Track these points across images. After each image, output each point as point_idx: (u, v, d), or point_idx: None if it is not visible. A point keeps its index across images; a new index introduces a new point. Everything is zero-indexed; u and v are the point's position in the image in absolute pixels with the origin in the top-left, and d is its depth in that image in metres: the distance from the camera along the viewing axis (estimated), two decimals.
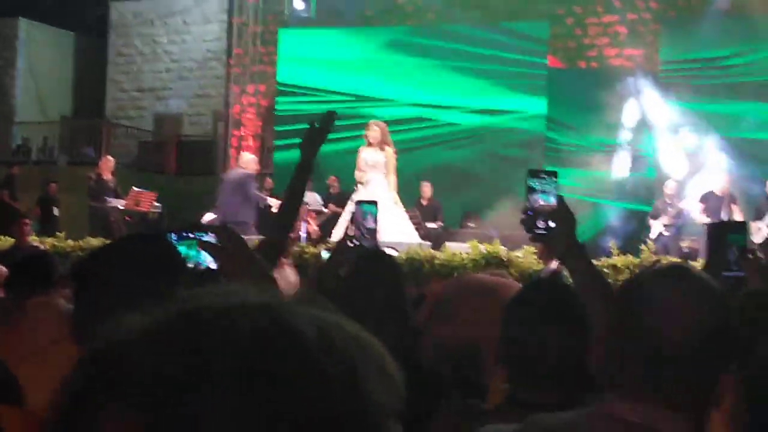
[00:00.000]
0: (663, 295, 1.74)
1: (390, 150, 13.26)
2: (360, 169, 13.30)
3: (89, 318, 2.18)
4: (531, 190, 2.70)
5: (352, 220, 4.26)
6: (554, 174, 2.75)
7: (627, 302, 1.79)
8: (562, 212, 2.71)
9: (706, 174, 15.90)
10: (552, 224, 2.68)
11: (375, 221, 3.99)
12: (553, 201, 2.70)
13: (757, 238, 14.85)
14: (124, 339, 0.83)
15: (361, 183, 13.36)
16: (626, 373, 1.73)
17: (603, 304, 2.43)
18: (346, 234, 4.48)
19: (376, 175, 13.26)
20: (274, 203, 15.75)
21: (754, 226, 15.07)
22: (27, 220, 13.11)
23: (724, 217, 14.42)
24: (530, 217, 2.70)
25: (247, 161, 15.33)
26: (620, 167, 18.50)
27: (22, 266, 5.25)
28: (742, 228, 3.70)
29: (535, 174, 2.73)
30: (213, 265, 2.34)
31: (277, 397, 0.79)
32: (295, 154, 3.93)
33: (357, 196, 12.88)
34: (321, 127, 3.83)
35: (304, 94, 20.71)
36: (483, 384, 3.31)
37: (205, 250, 2.30)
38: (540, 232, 2.70)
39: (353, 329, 0.87)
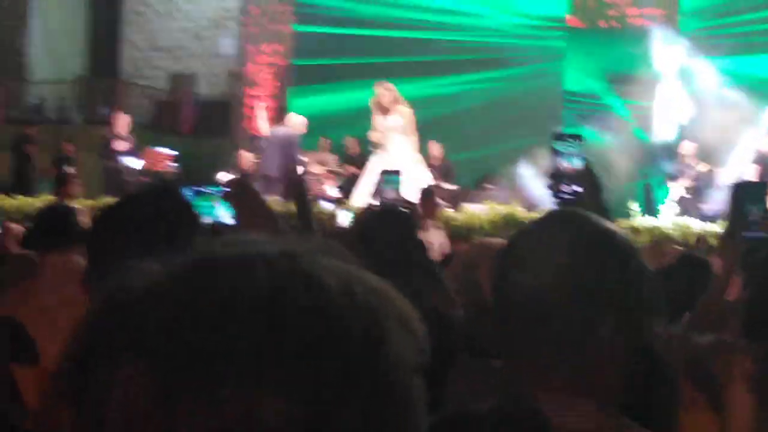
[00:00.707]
0: (530, 248, 1.63)
1: (406, 109, 13.20)
2: (378, 131, 13.25)
3: (102, 276, 2.13)
4: (556, 152, 2.65)
5: (376, 191, 4.27)
6: (579, 137, 2.70)
7: (501, 260, 1.69)
8: (589, 176, 2.64)
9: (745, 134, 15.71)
10: (578, 188, 2.61)
11: (397, 192, 3.99)
12: (578, 164, 2.63)
13: None
14: (138, 287, 0.80)
15: (381, 146, 13.30)
16: (506, 338, 1.65)
17: None
18: (369, 205, 4.49)
19: (397, 137, 13.21)
20: (319, 169, 15.83)
21: None
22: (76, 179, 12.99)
23: None
24: (556, 180, 2.64)
25: (296, 122, 15.45)
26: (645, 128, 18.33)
27: (41, 221, 4.98)
28: (763, 189, 3.65)
29: (559, 137, 2.68)
30: (230, 221, 2.30)
31: (298, 350, 0.77)
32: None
33: (379, 161, 12.90)
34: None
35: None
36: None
37: (223, 204, 2.28)
38: (566, 196, 2.63)
39: (375, 281, 0.85)
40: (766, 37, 17.43)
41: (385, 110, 13.25)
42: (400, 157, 13.21)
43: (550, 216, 1.73)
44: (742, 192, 3.57)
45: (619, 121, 18.02)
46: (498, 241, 5.17)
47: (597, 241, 1.61)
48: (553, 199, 2.69)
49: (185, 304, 0.77)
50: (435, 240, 7.30)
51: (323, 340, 0.77)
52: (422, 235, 4.44)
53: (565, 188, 2.63)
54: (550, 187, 2.68)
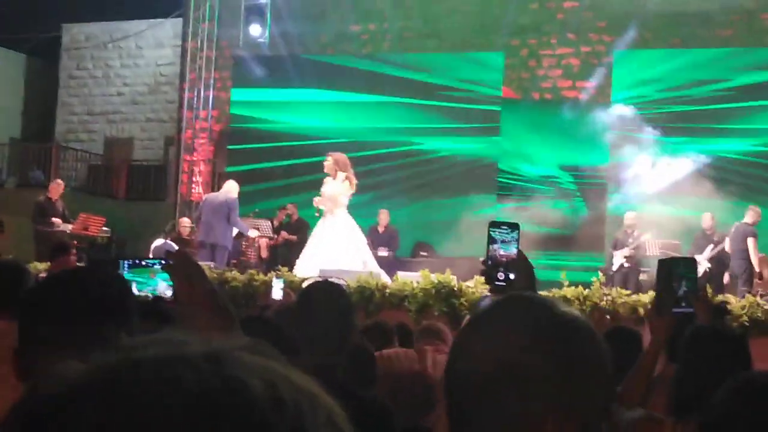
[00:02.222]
0: (484, 331, 1.61)
1: (345, 180, 13.35)
2: (320, 198, 13.45)
3: (31, 354, 2.11)
4: (492, 240, 2.71)
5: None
6: (515, 225, 2.76)
7: (457, 342, 1.66)
8: (521, 263, 2.70)
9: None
10: (511, 275, 2.67)
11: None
12: (513, 252, 2.70)
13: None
14: (60, 390, 0.78)
15: (322, 212, 13.51)
16: (461, 416, 1.59)
17: None
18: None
19: (333, 205, 13.35)
20: (254, 234, 16.00)
21: None
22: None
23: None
24: (490, 267, 2.71)
25: (231, 184, 15.54)
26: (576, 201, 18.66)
27: None
28: (691, 264, 3.71)
29: (496, 225, 2.74)
30: (168, 293, 2.28)
31: None
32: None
33: (322, 227, 13.15)
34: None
35: (257, 123, 20.84)
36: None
37: (161, 277, 2.26)
38: (499, 283, 2.70)
39: (302, 380, 0.83)
40: (702, 121, 17.84)
41: (330, 177, 13.51)
42: (337, 223, 13.36)
43: (507, 300, 1.72)
44: (670, 267, 3.61)
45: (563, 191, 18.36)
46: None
47: (554, 330, 1.57)
48: (488, 286, 2.76)
49: (107, 412, 0.75)
50: None
51: None
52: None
53: (499, 275, 2.70)
54: (484, 274, 2.74)
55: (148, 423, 0.74)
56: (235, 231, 15.52)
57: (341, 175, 13.40)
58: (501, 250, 2.70)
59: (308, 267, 12.87)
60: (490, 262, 2.70)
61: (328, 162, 13.55)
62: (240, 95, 21.61)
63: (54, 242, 16.22)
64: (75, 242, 16.85)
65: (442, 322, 10.58)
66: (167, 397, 0.76)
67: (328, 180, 13.52)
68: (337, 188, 13.35)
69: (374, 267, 13.29)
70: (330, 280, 4.37)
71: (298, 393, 0.81)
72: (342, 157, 13.64)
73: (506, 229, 2.73)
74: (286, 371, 0.83)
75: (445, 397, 1.63)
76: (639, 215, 16.31)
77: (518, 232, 2.73)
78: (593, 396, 1.57)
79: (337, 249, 13.15)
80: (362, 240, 13.84)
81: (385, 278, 12.55)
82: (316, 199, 13.50)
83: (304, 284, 5.18)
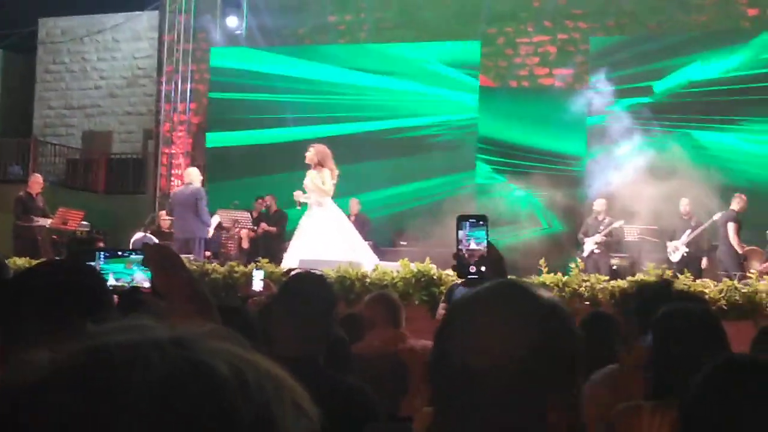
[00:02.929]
0: (469, 319, 1.63)
1: (326, 170, 13.35)
2: (303, 190, 13.42)
3: (7, 348, 2.13)
4: (461, 234, 2.74)
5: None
6: (484, 218, 2.79)
7: (441, 330, 1.67)
8: (492, 256, 2.73)
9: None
10: (483, 268, 2.71)
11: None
12: (483, 245, 2.73)
13: (674, 257, 15.15)
14: (29, 379, 0.79)
15: (303, 204, 13.49)
16: (445, 404, 1.62)
17: None
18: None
19: (317, 196, 13.35)
20: (211, 231, 15.89)
21: (670, 245, 15.38)
22: None
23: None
24: (461, 261, 2.74)
25: (193, 174, 15.45)
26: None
27: None
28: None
29: (464, 218, 2.77)
30: (146, 284, 2.30)
31: None
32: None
33: (307, 219, 13.13)
34: None
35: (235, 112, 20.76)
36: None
37: (140, 268, 2.28)
38: (471, 276, 2.73)
39: (267, 365, 0.84)
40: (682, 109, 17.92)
41: (312, 168, 13.50)
42: (319, 215, 13.37)
43: (491, 286, 1.70)
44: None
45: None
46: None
47: (535, 312, 1.61)
48: (460, 279, 2.80)
49: (78, 395, 0.76)
50: None
51: (214, 426, 0.77)
52: None
53: (471, 269, 2.73)
54: (455, 268, 2.77)
55: (116, 405, 0.76)
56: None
57: (323, 168, 13.40)
58: (471, 244, 2.74)
59: (297, 258, 12.87)
60: (461, 256, 2.74)
61: (310, 153, 13.53)
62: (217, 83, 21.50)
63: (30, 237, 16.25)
64: (54, 236, 16.85)
65: (423, 311, 10.68)
66: (135, 379, 0.77)
67: (310, 172, 13.50)
68: (319, 179, 13.35)
69: (366, 254, 13.32)
70: (312, 271, 4.39)
71: (263, 377, 0.82)
72: (323, 147, 13.64)
73: (476, 222, 2.77)
74: (251, 356, 0.84)
75: (431, 387, 1.65)
76: (610, 202, 16.38)
77: (487, 225, 2.77)
78: (579, 383, 1.62)
79: (327, 239, 13.15)
80: (350, 228, 13.86)
81: (374, 265, 12.53)
82: (298, 194, 13.47)
83: (286, 274, 5.18)
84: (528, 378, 1.55)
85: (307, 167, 13.56)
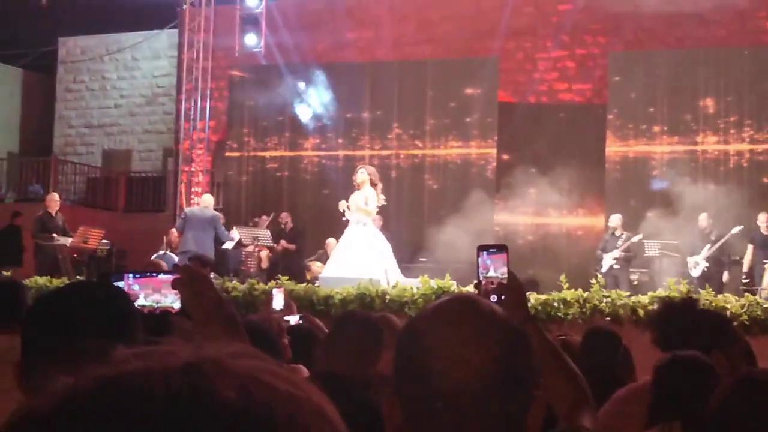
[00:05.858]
0: (435, 336, 1.63)
1: (372, 191, 13.49)
2: (348, 209, 13.57)
3: (34, 367, 2.14)
4: (481, 263, 2.74)
5: None
6: (504, 248, 2.78)
7: (404, 346, 1.68)
8: (512, 286, 2.71)
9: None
10: (503, 297, 2.69)
11: None
12: (502, 274, 2.72)
13: (695, 273, 15.09)
14: (41, 409, 0.80)
15: (353, 219, 13.66)
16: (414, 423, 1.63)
17: (555, 375, 2.44)
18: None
19: (360, 215, 13.45)
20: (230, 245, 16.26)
21: (690, 261, 15.33)
22: None
23: None
24: (480, 291, 2.73)
25: (208, 200, 16.10)
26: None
27: None
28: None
29: (484, 248, 2.77)
30: (176, 305, 2.29)
31: None
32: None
33: (347, 232, 13.29)
34: None
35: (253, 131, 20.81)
36: None
37: (172, 290, 2.27)
38: None
39: (286, 385, 0.83)
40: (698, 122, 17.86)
41: (358, 188, 13.67)
42: (358, 233, 13.51)
43: (443, 307, 1.71)
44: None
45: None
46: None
47: (497, 328, 1.64)
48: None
49: (86, 426, 0.77)
50: None
51: None
52: None
53: (492, 298, 2.70)
54: None
55: None
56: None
57: (369, 188, 13.54)
58: (491, 273, 2.73)
59: (335, 272, 13.15)
60: (481, 284, 2.73)
61: (362, 174, 13.67)
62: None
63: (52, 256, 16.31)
64: (75, 255, 16.91)
65: None
66: (136, 411, 0.78)
67: (357, 193, 13.64)
68: (362, 199, 13.48)
69: (396, 275, 13.34)
70: (364, 312, 4.54)
71: (275, 399, 0.81)
72: (373, 170, 13.85)
73: (495, 251, 2.76)
74: (269, 378, 0.83)
75: (398, 393, 1.66)
76: (623, 217, 16.33)
77: (507, 253, 2.76)
78: (537, 396, 1.64)
79: (361, 257, 13.24)
80: (387, 248, 13.88)
81: (395, 282, 12.64)
82: (342, 204, 13.62)
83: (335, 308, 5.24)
84: (490, 392, 1.57)
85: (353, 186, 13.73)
